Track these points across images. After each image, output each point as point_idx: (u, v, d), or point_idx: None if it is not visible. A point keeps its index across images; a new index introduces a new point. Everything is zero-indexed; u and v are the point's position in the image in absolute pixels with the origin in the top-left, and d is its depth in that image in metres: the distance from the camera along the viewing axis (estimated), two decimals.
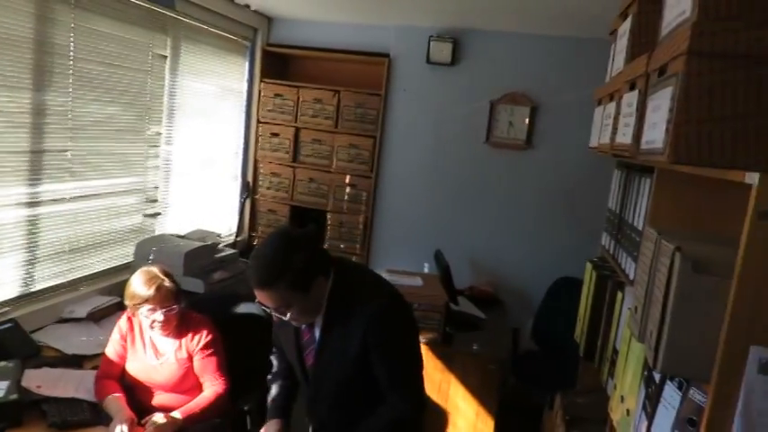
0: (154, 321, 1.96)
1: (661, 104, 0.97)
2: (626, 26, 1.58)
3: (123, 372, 2.08)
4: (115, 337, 2.08)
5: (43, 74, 2.39)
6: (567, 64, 3.47)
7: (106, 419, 1.87)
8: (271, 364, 1.96)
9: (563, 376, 2.42)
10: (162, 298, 1.95)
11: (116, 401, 1.94)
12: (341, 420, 1.76)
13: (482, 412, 2.75)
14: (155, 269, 2.02)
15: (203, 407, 2.00)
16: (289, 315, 1.59)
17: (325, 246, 3.87)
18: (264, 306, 1.61)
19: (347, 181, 3.85)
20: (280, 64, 4.13)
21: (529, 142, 3.59)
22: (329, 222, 3.91)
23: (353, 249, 3.88)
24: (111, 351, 2.07)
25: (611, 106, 1.62)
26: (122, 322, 2.09)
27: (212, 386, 2.06)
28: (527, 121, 3.56)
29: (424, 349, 1.86)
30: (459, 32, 3.60)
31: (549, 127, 3.56)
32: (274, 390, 1.89)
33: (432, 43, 3.59)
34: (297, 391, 1.90)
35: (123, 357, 2.08)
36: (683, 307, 0.90)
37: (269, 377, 1.94)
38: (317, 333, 1.70)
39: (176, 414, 1.95)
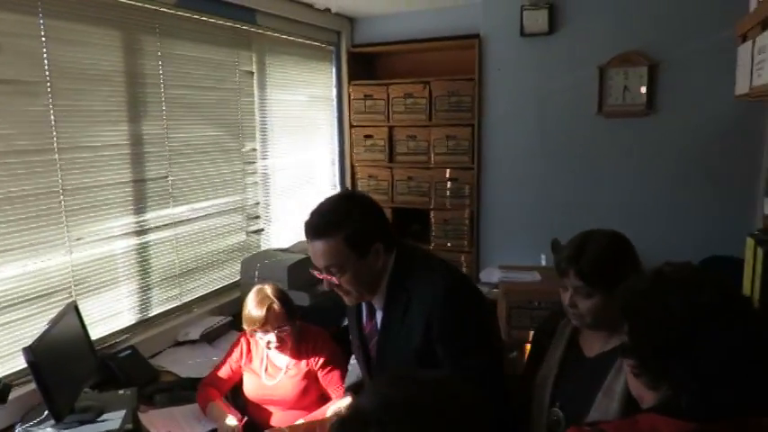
0: (269, 342, 1.95)
1: None
2: None
3: (229, 389, 2.09)
4: (234, 357, 2.08)
5: (138, 105, 2.45)
6: (689, 3, 2.97)
7: None
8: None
9: None
10: (273, 319, 1.92)
11: (219, 407, 1.95)
12: None
13: None
14: (267, 289, 1.98)
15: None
16: (340, 280, 1.43)
17: (432, 245, 3.67)
18: (316, 271, 1.47)
19: (447, 175, 3.63)
20: (366, 64, 4.02)
21: (650, 106, 3.13)
22: (433, 221, 3.71)
23: (461, 247, 3.64)
24: (225, 368, 2.07)
25: (765, 37, 1.26)
26: (242, 343, 2.08)
27: (337, 397, 2.01)
28: (645, 82, 3.11)
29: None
30: None
31: (673, 85, 3.07)
32: None
33: (525, 13, 3.26)
34: None
35: (233, 376, 2.07)
36: None
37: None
38: (380, 323, 1.53)
39: (300, 422, 1.91)
